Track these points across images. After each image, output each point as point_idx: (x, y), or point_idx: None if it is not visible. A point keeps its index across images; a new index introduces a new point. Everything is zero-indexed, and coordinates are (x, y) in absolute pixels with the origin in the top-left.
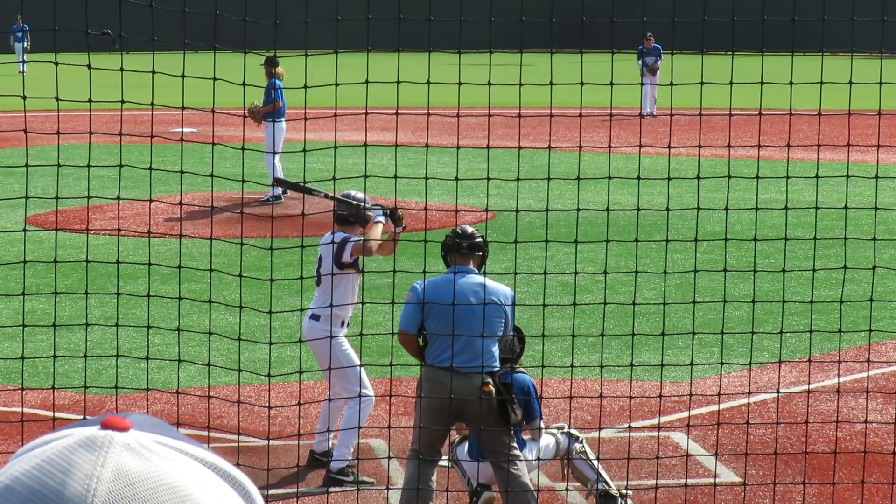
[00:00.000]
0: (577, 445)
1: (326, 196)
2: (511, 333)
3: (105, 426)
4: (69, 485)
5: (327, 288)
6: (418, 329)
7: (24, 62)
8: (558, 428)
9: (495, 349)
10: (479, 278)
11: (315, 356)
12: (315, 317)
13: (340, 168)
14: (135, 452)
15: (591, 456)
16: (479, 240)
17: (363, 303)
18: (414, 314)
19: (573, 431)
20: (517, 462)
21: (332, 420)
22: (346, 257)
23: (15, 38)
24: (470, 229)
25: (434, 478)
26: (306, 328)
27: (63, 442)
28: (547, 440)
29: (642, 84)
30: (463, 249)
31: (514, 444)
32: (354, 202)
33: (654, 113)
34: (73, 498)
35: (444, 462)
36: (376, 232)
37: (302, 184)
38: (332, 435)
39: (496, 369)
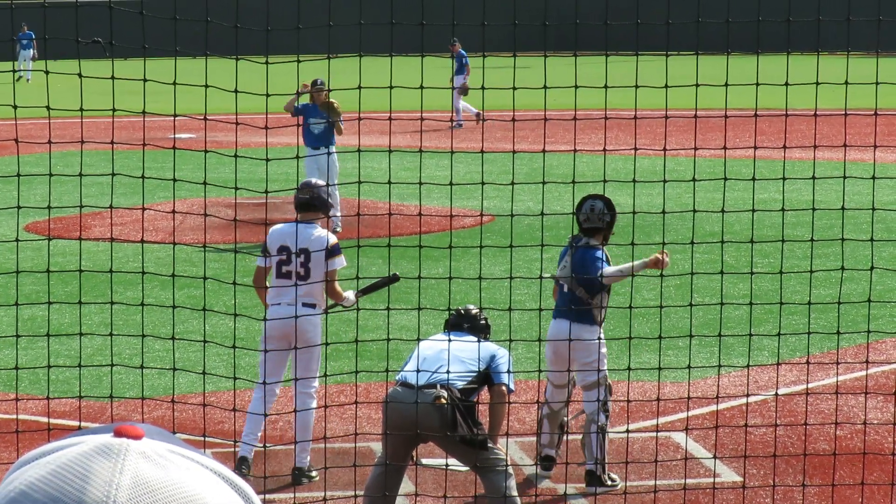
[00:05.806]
0: (603, 418)
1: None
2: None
3: (118, 434)
4: (88, 491)
5: (317, 278)
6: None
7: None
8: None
9: (460, 370)
10: (470, 337)
11: (301, 342)
12: (311, 304)
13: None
14: (151, 461)
15: (604, 440)
16: (483, 322)
17: (358, 309)
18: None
19: (609, 402)
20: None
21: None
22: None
23: (21, 46)
24: (474, 310)
25: (398, 484)
26: (303, 314)
27: (78, 448)
28: (604, 363)
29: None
30: (464, 329)
31: (490, 450)
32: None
33: (460, 120)
34: None
35: (442, 464)
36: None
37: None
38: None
39: (458, 386)
